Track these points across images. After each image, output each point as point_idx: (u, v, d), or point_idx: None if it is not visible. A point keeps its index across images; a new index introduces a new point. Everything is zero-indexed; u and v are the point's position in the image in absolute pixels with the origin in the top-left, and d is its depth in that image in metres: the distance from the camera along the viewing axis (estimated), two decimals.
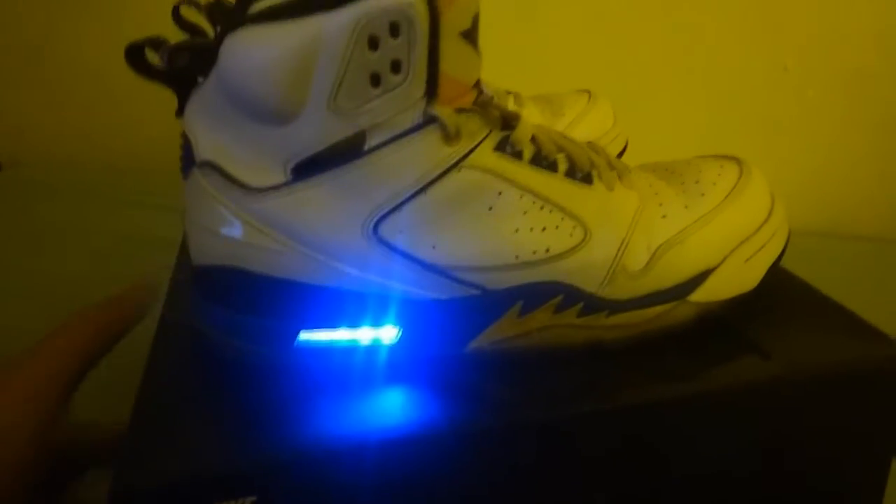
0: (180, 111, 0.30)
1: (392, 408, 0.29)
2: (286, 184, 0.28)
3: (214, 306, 0.31)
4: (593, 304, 0.31)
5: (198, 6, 0.32)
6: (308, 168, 0.28)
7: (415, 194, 0.28)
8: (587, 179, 0.31)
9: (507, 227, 0.30)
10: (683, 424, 0.31)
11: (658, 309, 0.32)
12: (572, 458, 0.30)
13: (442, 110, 0.28)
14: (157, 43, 0.29)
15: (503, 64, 0.51)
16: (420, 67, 0.27)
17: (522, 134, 0.30)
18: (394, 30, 0.25)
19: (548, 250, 0.30)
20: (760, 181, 0.35)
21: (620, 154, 0.54)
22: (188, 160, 0.30)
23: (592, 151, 0.34)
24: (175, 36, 0.31)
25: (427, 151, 0.28)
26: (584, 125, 0.52)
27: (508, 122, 0.31)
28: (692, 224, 0.32)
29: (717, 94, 0.74)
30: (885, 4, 0.69)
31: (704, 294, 0.32)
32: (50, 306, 0.53)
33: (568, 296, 0.30)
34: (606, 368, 0.31)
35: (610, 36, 0.74)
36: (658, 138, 0.57)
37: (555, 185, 0.31)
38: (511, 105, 0.50)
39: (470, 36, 0.28)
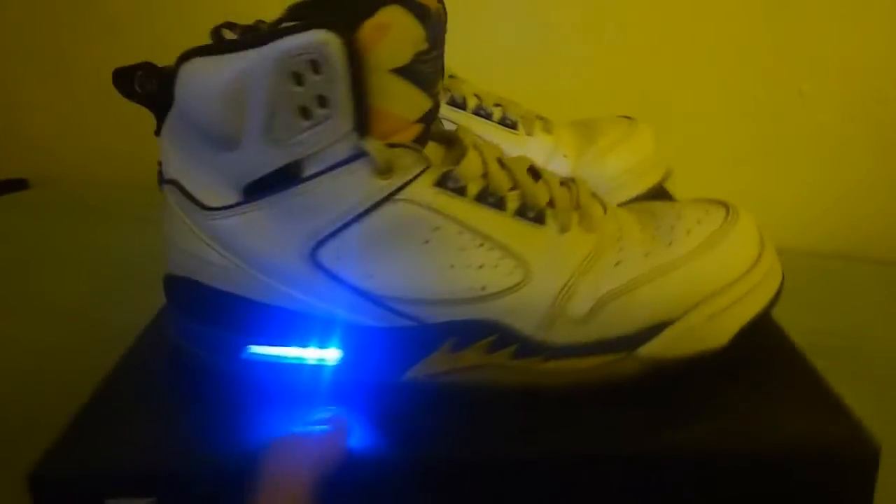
0: (157, 132, 0.32)
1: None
2: (235, 205, 0.30)
3: (179, 314, 0.33)
4: (529, 347, 0.30)
5: (232, 28, 0.35)
6: (255, 191, 0.29)
7: (349, 223, 0.29)
8: (539, 219, 0.31)
9: (443, 263, 0.30)
10: (596, 482, 0.29)
11: (600, 359, 0.30)
12: (488, 499, 0.30)
13: (372, 144, 0.28)
14: (139, 69, 0.31)
15: (547, 91, 0.51)
16: (345, 102, 0.27)
17: (468, 170, 0.30)
18: (315, 66, 0.26)
19: (484, 288, 0.30)
20: (746, 231, 0.32)
21: (661, 182, 0.52)
22: (160, 177, 0.32)
23: (565, 189, 0.33)
24: None
25: (358, 183, 0.29)
26: (620, 150, 0.50)
27: (457, 157, 0.31)
28: (646, 273, 0.30)
29: (730, 117, 0.71)
30: None
31: (657, 348, 0.30)
32: (76, 323, 0.55)
33: (502, 336, 0.30)
34: (536, 415, 0.30)
35: (628, 64, 0.72)
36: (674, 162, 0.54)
37: (499, 223, 0.30)
38: (539, 130, 0.49)
39: (408, 72, 0.28)
